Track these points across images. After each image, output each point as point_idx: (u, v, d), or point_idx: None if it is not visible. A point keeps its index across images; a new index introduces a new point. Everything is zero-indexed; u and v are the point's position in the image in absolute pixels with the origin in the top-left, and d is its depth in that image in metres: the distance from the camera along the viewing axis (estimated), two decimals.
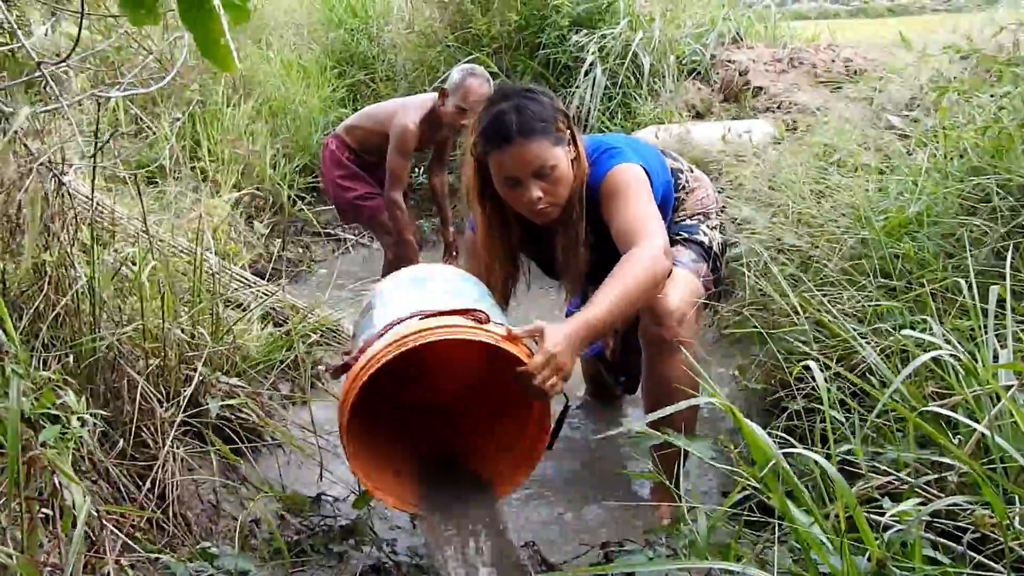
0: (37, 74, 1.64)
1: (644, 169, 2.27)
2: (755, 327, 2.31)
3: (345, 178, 4.51)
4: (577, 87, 5.07)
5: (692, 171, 2.61)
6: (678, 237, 2.46)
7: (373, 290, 2.22)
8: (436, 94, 4.27)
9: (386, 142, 4.30)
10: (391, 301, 2.02)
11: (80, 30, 1.65)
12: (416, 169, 5.91)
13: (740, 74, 4.99)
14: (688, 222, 2.50)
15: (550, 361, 1.78)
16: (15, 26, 1.67)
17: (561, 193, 2.20)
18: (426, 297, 1.96)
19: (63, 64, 1.67)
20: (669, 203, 2.48)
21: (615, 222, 2.17)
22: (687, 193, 2.54)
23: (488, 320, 1.82)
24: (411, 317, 1.84)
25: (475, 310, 1.84)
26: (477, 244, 2.40)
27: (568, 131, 2.21)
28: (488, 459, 2.11)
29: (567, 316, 2.25)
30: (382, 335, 1.82)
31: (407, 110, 4.29)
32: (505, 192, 2.22)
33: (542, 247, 2.44)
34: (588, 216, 2.27)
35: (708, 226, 2.50)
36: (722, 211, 2.63)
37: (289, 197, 5.29)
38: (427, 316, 1.82)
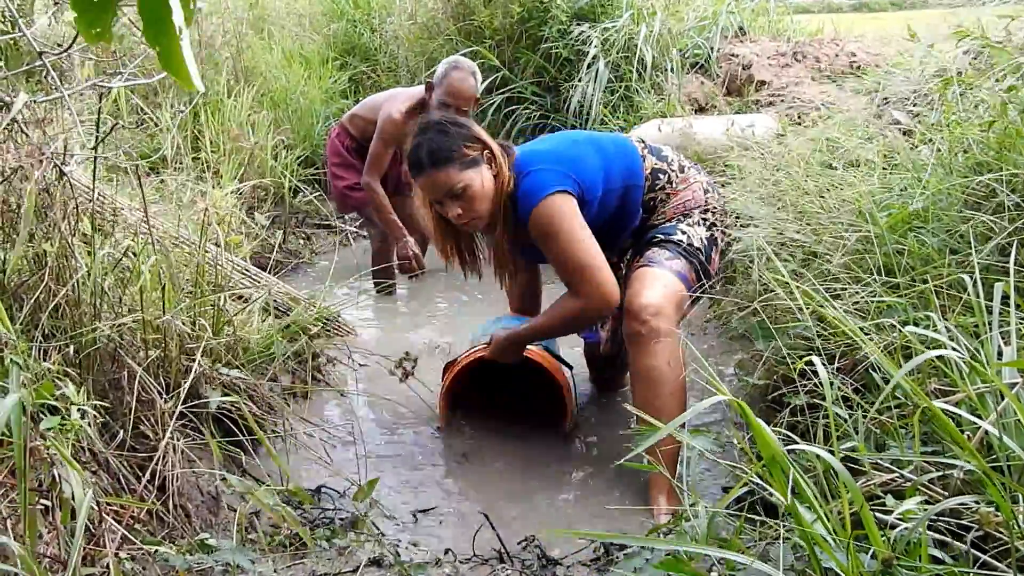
0: (38, 64, 1.63)
1: (564, 190, 2.44)
2: (758, 322, 2.31)
3: (338, 166, 4.49)
4: (579, 80, 5.05)
5: (684, 171, 2.65)
6: (655, 240, 2.58)
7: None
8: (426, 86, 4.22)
9: None
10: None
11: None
12: None
13: (743, 68, 4.97)
14: (667, 224, 2.60)
15: (488, 355, 2.69)
16: (16, 16, 1.66)
17: (479, 208, 2.48)
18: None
19: (65, 54, 1.66)
20: (635, 202, 2.60)
21: (554, 264, 2.51)
22: (668, 195, 2.62)
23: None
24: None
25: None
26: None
27: (483, 152, 2.50)
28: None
29: None
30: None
31: (396, 100, 4.26)
32: (438, 208, 2.56)
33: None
34: (520, 231, 2.54)
35: (687, 224, 2.59)
36: (710, 210, 2.63)
37: (290, 188, 5.28)
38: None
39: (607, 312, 2.50)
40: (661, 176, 2.61)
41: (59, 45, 1.72)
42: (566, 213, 2.43)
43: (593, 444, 2.79)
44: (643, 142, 2.68)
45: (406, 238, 4.34)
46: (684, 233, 2.57)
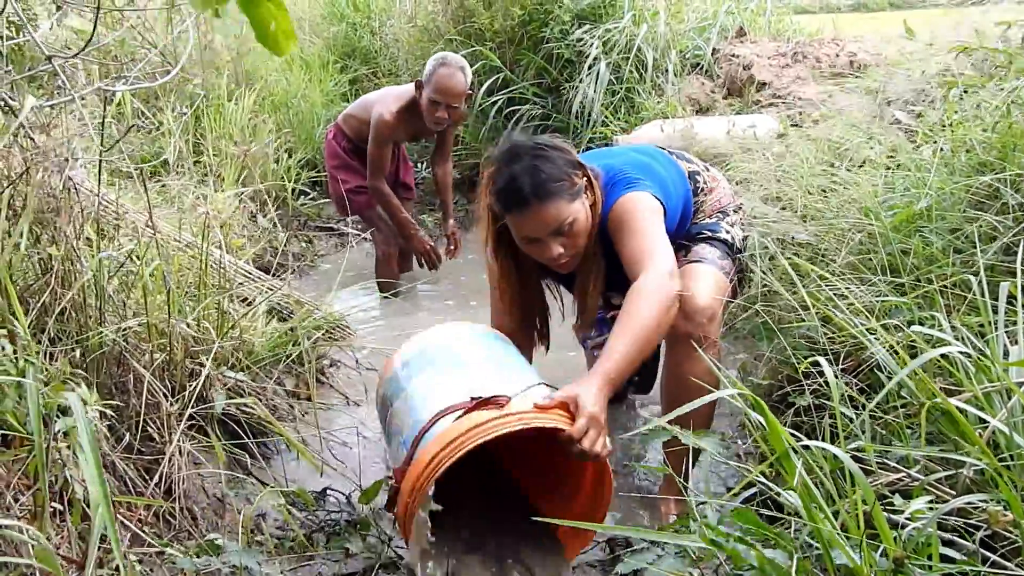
0: (47, 67, 1.63)
1: (654, 195, 2.23)
2: (762, 323, 2.31)
3: (338, 168, 4.49)
4: (580, 82, 5.06)
5: (708, 170, 2.61)
6: (701, 236, 2.47)
7: (388, 377, 2.16)
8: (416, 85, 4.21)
9: None
10: (413, 399, 1.96)
11: (96, 24, 1.64)
12: (420, 163, 5.90)
13: (744, 68, 4.97)
14: (708, 220, 2.52)
15: (592, 423, 1.73)
16: (24, 20, 1.66)
17: (581, 244, 2.20)
18: (446, 386, 1.90)
19: (74, 58, 1.66)
20: (689, 210, 2.49)
21: (623, 252, 2.15)
22: (705, 194, 2.55)
23: (508, 401, 1.74)
24: (436, 418, 1.79)
25: (495, 397, 1.75)
26: (495, 288, 2.43)
27: (584, 179, 2.20)
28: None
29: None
30: (416, 444, 1.80)
31: (387, 100, 4.25)
32: (525, 247, 2.23)
33: (563, 280, 2.50)
34: (602, 245, 2.27)
35: (728, 223, 2.51)
36: (741, 207, 2.61)
37: (292, 191, 5.29)
38: (452, 413, 1.77)
39: (672, 298, 2.01)
40: (697, 178, 2.53)
41: (68, 48, 1.72)
42: (648, 205, 2.20)
43: None
44: (665, 149, 2.62)
45: (419, 231, 4.36)
46: (728, 233, 2.48)
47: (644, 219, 2.16)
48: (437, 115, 4.03)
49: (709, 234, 2.47)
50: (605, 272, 2.31)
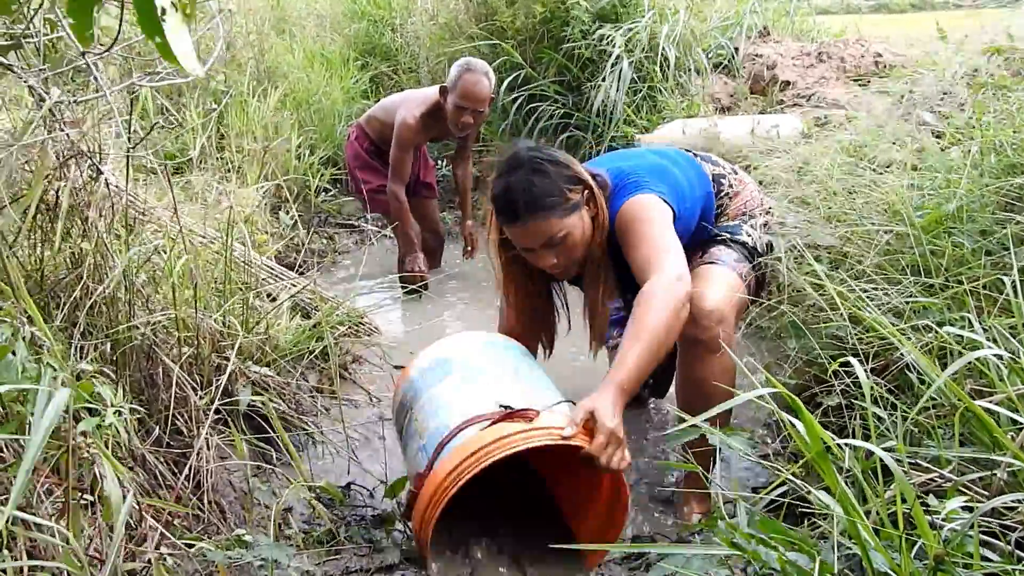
0: (81, 63, 1.64)
1: (663, 198, 2.20)
2: (791, 322, 2.30)
3: (361, 169, 4.52)
4: (603, 80, 5.05)
5: (736, 173, 2.57)
6: (720, 238, 2.44)
7: (406, 384, 2.17)
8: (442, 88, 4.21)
9: None
10: (433, 405, 1.98)
11: (121, 20, 1.65)
12: (441, 161, 5.91)
13: (768, 68, 4.95)
14: (731, 223, 2.48)
15: (611, 438, 1.76)
16: (59, 16, 1.68)
17: (575, 256, 2.20)
18: (468, 395, 1.93)
19: (106, 53, 1.68)
20: (710, 212, 2.46)
21: (631, 258, 2.13)
22: (730, 198, 2.50)
23: (537, 414, 1.78)
24: (462, 427, 1.81)
25: (524, 410, 1.78)
26: (502, 293, 2.44)
27: (583, 192, 2.18)
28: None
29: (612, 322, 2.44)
30: (439, 451, 1.80)
31: (409, 103, 4.28)
32: (524, 254, 2.25)
33: (575, 281, 2.46)
34: (611, 249, 2.26)
35: (751, 226, 2.47)
36: (768, 211, 2.57)
37: (314, 188, 5.31)
38: (478, 423, 1.79)
39: (683, 301, 1.96)
40: (723, 181, 2.49)
41: (100, 45, 1.74)
42: (656, 208, 2.16)
43: None
44: (691, 151, 2.59)
45: (416, 254, 4.35)
46: (749, 235, 2.43)
47: (652, 223, 2.13)
48: (462, 120, 4.05)
49: (728, 236, 2.43)
50: (616, 277, 2.29)
